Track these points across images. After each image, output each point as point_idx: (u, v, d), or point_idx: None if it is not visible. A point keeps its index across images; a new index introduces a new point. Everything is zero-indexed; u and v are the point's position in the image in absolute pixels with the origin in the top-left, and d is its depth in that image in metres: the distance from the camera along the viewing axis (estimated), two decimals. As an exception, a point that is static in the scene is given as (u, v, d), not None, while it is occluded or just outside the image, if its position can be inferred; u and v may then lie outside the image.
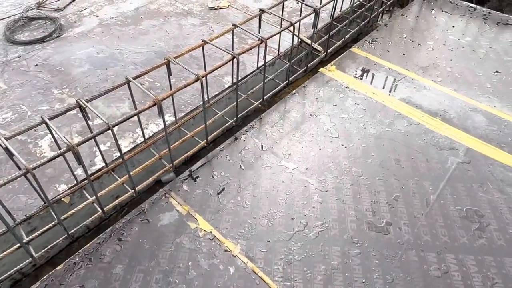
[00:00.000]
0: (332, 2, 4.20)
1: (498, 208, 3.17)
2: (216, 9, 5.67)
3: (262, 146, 3.65)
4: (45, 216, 2.95)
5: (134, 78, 2.86)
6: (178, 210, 3.08)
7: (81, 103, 2.58)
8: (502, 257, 2.84)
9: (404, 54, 4.93)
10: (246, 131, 3.82)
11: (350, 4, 4.65)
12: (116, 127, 3.82)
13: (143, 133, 3.37)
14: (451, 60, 4.86)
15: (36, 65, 4.58)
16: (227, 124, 3.67)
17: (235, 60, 3.20)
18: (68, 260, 2.76)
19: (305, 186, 3.29)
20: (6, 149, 2.26)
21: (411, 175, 3.42)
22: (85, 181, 3.02)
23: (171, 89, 3.30)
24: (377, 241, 2.91)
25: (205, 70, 3.53)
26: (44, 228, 2.66)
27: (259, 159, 3.52)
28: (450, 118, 3.99)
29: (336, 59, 4.80)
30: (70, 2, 5.83)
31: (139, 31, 5.20)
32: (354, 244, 2.89)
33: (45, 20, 5.37)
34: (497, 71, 4.64)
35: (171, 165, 3.25)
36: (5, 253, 2.48)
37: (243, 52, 3.23)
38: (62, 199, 3.10)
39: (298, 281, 2.66)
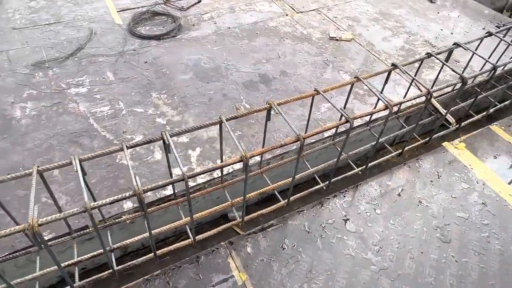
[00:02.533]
0: (489, 71, 3.33)
1: None
2: (337, 40, 5.12)
3: (349, 224, 3.02)
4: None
5: (228, 120, 2.50)
6: (233, 276, 2.65)
7: (165, 137, 2.30)
8: None
9: None
10: (335, 198, 3.23)
11: (502, 69, 3.70)
12: (199, 150, 3.59)
13: (222, 173, 3.03)
14: None
15: (146, 62, 4.59)
16: (316, 187, 3.12)
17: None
18: (107, 295, 2.53)
19: (392, 299, 2.59)
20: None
21: (545, 335, 2.47)
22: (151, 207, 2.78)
23: (264, 135, 2.89)
24: None
25: (308, 122, 3.05)
26: (89, 255, 2.46)
27: (342, 241, 2.91)
28: None
29: (468, 135, 3.88)
30: (195, 3, 5.84)
31: (251, 48, 4.92)
32: None
33: (167, 17, 5.44)
34: None
35: (241, 219, 2.84)
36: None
37: (360, 117, 2.64)
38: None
39: None
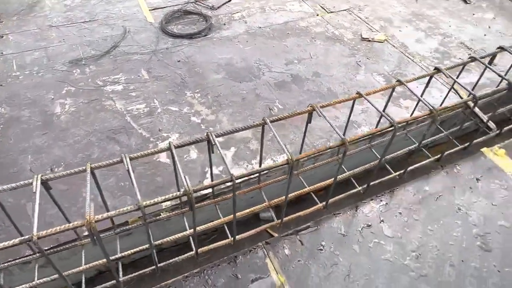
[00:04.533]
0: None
1: None
2: (369, 41, 5.06)
3: (387, 229, 2.99)
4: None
5: (272, 122, 2.50)
6: (272, 277, 2.67)
7: (211, 138, 2.32)
8: None
9: None
10: (372, 202, 3.20)
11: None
12: (233, 149, 3.62)
13: (259, 174, 3.04)
14: None
15: (179, 61, 4.65)
16: (353, 191, 3.10)
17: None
18: (148, 290, 2.58)
19: (431, 307, 2.55)
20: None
21: None
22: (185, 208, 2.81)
23: (303, 139, 2.88)
24: None
25: (347, 125, 3.03)
26: (133, 250, 2.51)
27: (380, 246, 2.88)
28: None
29: (508, 141, 3.78)
30: (225, 2, 5.87)
31: (283, 48, 4.92)
32: None
33: (198, 16, 5.49)
34: None
35: (279, 221, 2.85)
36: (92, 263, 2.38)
37: (405, 122, 2.60)
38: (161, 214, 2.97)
39: None
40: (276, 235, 2.95)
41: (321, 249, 2.84)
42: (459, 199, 3.23)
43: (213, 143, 2.30)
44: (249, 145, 3.55)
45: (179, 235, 2.58)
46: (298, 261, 2.77)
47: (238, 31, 5.24)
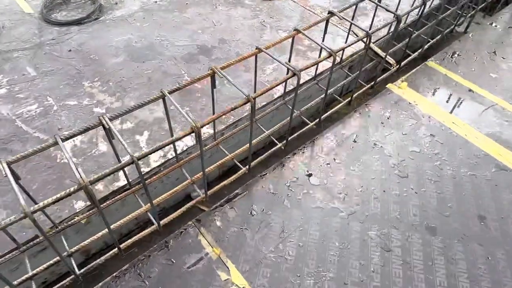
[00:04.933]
0: (419, 7, 3.40)
1: None
2: (270, 0, 4.99)
3: (313, 178, 3.04)
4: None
5: (170, 93, 2.32)
6: (207, 253, 2.57)
7: (104, 122, 2.08)
8: None
9: (493, 75, 4.06)
10: (295, 156, 3.21)
11: (429, 7, 3.82)
12: (146, 134, 3.37)
13: (175, 151, 2.86)
14: (553, 87, 3.95)
15: (70, 50, 4.17)
16: (274, 148, 3.08)
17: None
18: (75, 302, 2.34)
19: (364, 240, 2.67)
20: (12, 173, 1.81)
21: (500, 241, 2.70)
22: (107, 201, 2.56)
23: (213, 103, 2.75)
24: (454, 332, 2.27)
25: (255, 83, 2.95)
26: (44, 265, 2.23)
27: (309, 196, 2.92)
28: (553, 168, 3.18)
29: (408, 73, 4.03)
30: (113, -20, 5.34)
31: (184, 20, 4.65)
32: (424, 332, 2.27)
33: (84, -1, 4.94)
34: None
35: (204, 195, 2.73)
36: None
37: (306, 68, 2.59)
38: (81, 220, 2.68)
39: None
40: (206, 209, 2.84)
41: (253, 213, 2.80)
42: (374, 136, 3.39)
43: (107, 127, 2.07)
44: (164, 125, 3.33)
45: (95, 236, 2.35)
46: (232, 230, 2.70)
47: (133, 8, 4.83)
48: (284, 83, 3.16)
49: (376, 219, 2.79)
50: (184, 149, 3.14)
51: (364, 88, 3.61)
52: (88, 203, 2.82)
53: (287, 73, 2.58)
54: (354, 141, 3.34)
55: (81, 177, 1.81)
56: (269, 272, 2.48)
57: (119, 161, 2.49)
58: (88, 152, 3.12)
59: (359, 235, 2.69)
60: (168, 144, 2.12)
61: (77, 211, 2.76)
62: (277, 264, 2.52)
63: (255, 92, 2.86)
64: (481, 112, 3.61)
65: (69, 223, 2.48)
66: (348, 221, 2.77)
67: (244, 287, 2.41)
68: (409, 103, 3.69)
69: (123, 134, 3.24)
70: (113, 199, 2.57)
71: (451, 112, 3.60)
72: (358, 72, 3.48)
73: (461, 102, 3.72)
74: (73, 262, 2.28)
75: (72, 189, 1.82)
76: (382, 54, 3.44)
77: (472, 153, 3.26)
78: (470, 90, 3.85)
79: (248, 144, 2.85)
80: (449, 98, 3.76)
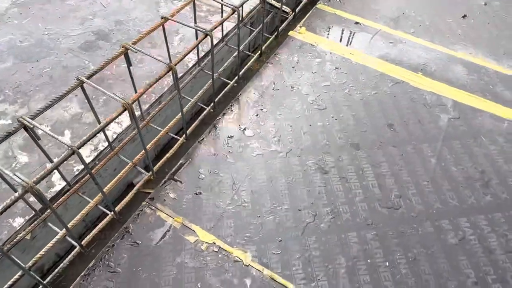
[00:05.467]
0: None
1: (495, 161, 3.15)
2: (155, -29, 4.83)
3: (247, 131, 3.24)
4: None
5: (88, 78, 2.25)
6: (170, 224, 2.65)
7: (25, 122, 1.96)
8: (509, 211, 2.84)
9: (373, 7, 4.61)
10: (225, 116, 3.37)
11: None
12: (68, 132, 3.19)
13: (107, 138, 2.79)
14: (419, 6, 4.65)
15: None
16: (204, 112, 3.18)
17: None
18: (50, 312, 2.27)
19: (305, 170, 3.00)
20: None
21: (407, 139, 3.26)
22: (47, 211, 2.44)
23: (133, 81, 2.72)
24: (391, 218, 2.76)
25: (168, 53, 2.97)
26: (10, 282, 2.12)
27: (248, 148, 3.13)
28: (431, 72, 3.85)
29: (304, 19, 4.37)
30: (-33, -22, 4.61)
31: (68, 8, 4.29)
32: (369, 226, 2.71)
33: None
34: (464, 15, 4.53)
35: (150, 173, 2.76)
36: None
37: (215, 27, 2.69)
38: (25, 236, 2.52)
39: (321, 279, 2.45)
40: (151, 191, 2.87)
41: (202, 177, 2.93)
42: (289, 80, 3.69)
43: (31, 126, 1.96)
44: (83, 120, 3.18)
45: (57, 238, 2.26)
46: (187, 197, 2.80)
47: (3, 6, 4.28)
48: (196, 50, 3.21)
49: (310, 150, 3.13)
50: (114, 136, 3.06)
51: (269, 40, 3.85)
52: (27, 217, 2.64)
53: (197, 38, 2.66)
54: (274, 89, 3.60)
55: (22, 180, 1.73)
56: (232, 222, 2.68)
57: (51, 161, 2.37)
58: (8, 168, 2.86)
59: (299, 167, 3.01)
60: (104, 127, 2.09)
61: (18, 228, 2.58)
62: (237, 213, 2.72)
63: (171, 61, 2.90)
64: (370, 40, 4.14)
65: (14, 241, 2.33)
66: (288, 159, 3.07)
67: (213, 242, 2.57)
68: (311, 45, 4.05)
69: (41, 136, 3.02)
70: (59, 200, 2.46)
71: (347, 45, 4.06)
72: (260, 25, 3.68)
73: (353, 35, 4.20)
74: (34, 275, 2.19)
75: (16, 194, 1.73)
76: (278, 5, 3.68)
77: (371, 75, 3.77)
78: (357, 23, 4.34)
79: (179, 114, 2.91)
80: (342, 33, 4.21)
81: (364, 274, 2.48)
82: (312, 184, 2.92)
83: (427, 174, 3.03)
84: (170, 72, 2.38)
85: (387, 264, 2.53)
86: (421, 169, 3.06)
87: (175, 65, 2.36)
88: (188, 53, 2.49)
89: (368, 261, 2.54)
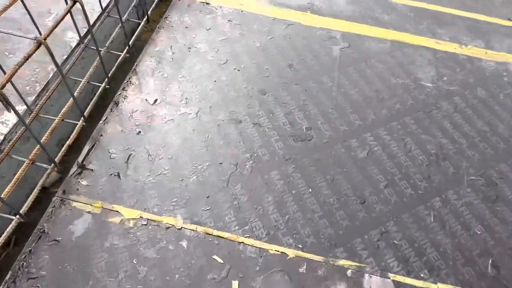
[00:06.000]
0: None
1: (385, 78, 3.47)
2: None
3: (151, 100, 3.11)
4: None
5: None
6: (89, 212, 2.50)
7: None
8: (402, 118, 3.20)
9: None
10: (125, 89, 3.18)
11: None
12: None
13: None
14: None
15: None
16: (100, 89, 2.96)
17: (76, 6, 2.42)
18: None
19: (218, 125, 3.01)
20: None
21: (308, 75, 3.42)
22: None
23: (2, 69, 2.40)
24: (306, 149, 2.93)
25: (39, 31, 2.66)
26: None
27: (156, 116, 3.02)
28: (318, 9, 4.02)
29: (187, -24, 4.20)
30: None
31: None
32: (288, 161, 2.85)
33: None
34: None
35: (53, 165, 2.53)
36: None
37: (83, -7, 2.44)
38: None
39: (254, 220, 2.55)
40: (58, 190, 2.64)
41: (113, 156, 2.77)
42: (184, 42, 3.58)
43: None
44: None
45: None
46: (102, 180, 2.65)
47: None
48: (76, 28, 2.91)
49: (219, 104, 3.13)
50: (1, 138, 2.72)
51: (154, 3, 3.66)
52: None
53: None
54: (171, 54, 3.47)
55: None
56: (155, 192, 2.61)
57: None
58: None
59: (212, 123, 3.01)
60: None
61: None
62: (158, 182, 2.66)
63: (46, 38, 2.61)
64: (257, -13, 4.16)
65: None
66: (199, 118, 3.04)
67: (140, 216, 2.50)
68: (201, 2, 3.94)
69: None
70: None
71: (234, -4, 4.03)
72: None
73: (239, -14, 4.17)
74: None
75: None
76: (153, -38, 3.46)
77: (264, 22, 3.83)
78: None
79: (71, 100, 2.67)
80: (229, -14, 4.16)
81: (291, 204, 2.63)
82: (228, 136, 2.94)
83: (331, 102, 3.24)
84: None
85: (310, 190, 2.71)
86: (325, 99, 3.26)
87: (45, 39, 2.12)
88: (58, 24, 2.24)
89: (293, 192, 2.69)
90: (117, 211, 2.51)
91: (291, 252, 2.43)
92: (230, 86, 3.27)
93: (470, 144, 3.07)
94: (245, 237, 2.47)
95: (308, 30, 3.80)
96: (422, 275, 2.41)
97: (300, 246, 2.46)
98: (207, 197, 2.62)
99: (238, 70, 3.39)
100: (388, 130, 3.11)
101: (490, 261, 2.50)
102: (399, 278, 2.39)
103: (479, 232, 2.61)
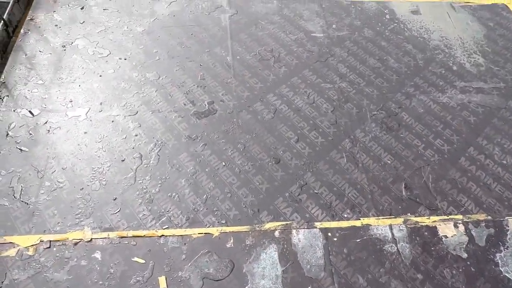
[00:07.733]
0: None
1: (278, 37, 3.45)
2: None
3: (31, 112, 2.75)
4: None
5: None
6: (-24, 252, 2.15)
7: None
8: (301, 71, 3.21)
9: None
10: (2, 104, 2.77)
11: None
12: None
13: None
14: None
15: None
16: (-41, 113, 2.53)
17: None
18: None
19: (112, 121, 2.76)
20: None
21: (200, 50, 3.27)
22: None
23: None
24: (212, 124, 2.81)
25: None
26: None
27: (39, 128, 2.68)
28: (199, -19, 3.85)
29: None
30: None
31: None
32: (196, 140, 2.71)
33: None
34: None
35: None
36: None
37: None
38: None
39: (170, 209, 2.39)
40: None
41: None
42: (57, 40, 3.20)
43: None
44: None
45: None
46: (-15, 213, 2.29)
47: None
48: None
49: (110, 100, 2.87)
50: None
51: (10, 5, 3.20)
52: None
53: None
54: (43, 56, 3.09)
55: None
56: (53, 210, 2.33)
57: None
58: None
59: (106, 121, 2.76)
60: None
61: None
62: (56, 198, 2.37)
63: None
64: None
65: None
66: (90, 119, 2.76)
67: (40, 240, 2.21)
68: (67, -5, 3.55)
69: None
70: None
71: (106, -18, 3.68)
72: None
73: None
74: None
75: None
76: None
77: (143, 3, 3.57)
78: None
79: None
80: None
81: (207, 183, 2.52)
82: (126, 131, 2.72)
83: (228, 72, 3.14)
84: None
85: (224, 164, 2.62)
86: (222, 70, 3.15)
87: None
88: None
89: (206, 170, 2.58)
90: (11, 242, 2.19)
91: (215, 231, 2.33)
92: (119, 78, 3.01)
93: (367, 83, 3.19)
94: (164, 229, 2.31)
95: (192, 3, 3.62)
96: (345, 215, 2.46)
97: (224, 222, 2.37)
98: (114, 199, 2.40)
99: (125, 59, 3.13)
100: (289, 87, 3.10)
101: (403, 185, 2.63)
102: (326, 224, 2.42)
103: (389, 161, 2.73)
